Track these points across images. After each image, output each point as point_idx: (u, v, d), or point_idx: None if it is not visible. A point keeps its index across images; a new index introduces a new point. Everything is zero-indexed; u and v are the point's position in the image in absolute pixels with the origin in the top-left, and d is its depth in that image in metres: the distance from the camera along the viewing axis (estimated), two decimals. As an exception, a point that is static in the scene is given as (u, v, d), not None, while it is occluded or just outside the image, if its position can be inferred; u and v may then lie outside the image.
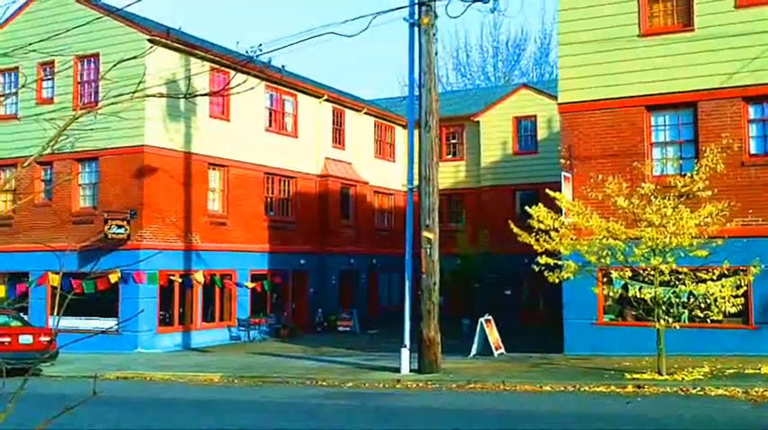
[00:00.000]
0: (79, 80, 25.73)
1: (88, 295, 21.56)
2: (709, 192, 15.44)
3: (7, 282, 26.74)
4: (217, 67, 26.28)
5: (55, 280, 24.16)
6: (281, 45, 21.23)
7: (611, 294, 16.85)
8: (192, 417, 12.73)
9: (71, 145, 4.11)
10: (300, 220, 31.08)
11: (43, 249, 23.59)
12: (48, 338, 19.35)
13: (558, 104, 20.80)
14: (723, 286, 15.00)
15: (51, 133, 3.47)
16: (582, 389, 14.22)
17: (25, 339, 19.10)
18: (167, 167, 24.74)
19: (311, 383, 16.64)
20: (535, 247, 16.18)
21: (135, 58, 4.05)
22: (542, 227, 16.21)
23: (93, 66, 25.42)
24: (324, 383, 16.54)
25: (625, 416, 11.61)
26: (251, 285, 27.20)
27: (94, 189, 25.44)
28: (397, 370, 17.31)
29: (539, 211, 16.29)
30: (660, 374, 14.77)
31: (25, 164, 3.63)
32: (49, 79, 25.93)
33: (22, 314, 22.74)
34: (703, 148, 17.37)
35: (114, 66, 3.76)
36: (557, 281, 16.40)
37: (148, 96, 3.64)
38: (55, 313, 24.15)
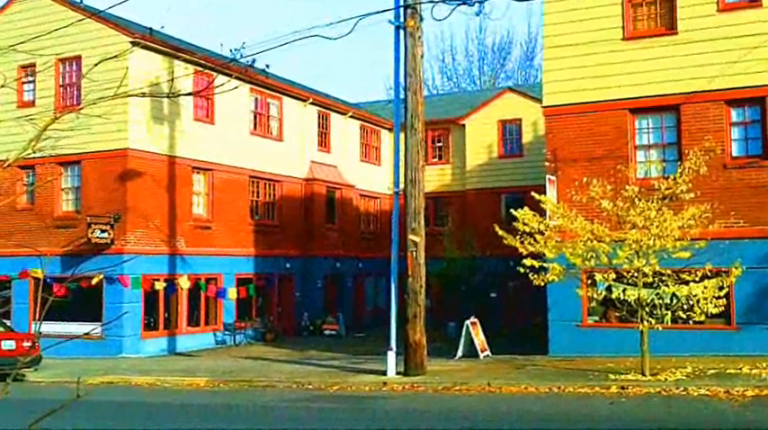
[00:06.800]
0: (61, 83, 25.55)
1: (71, 298, 21.32)
2: (692, 195, 15.57)
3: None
4: (200, 69, 26.14)
5: (38, 272, 23.54)
6: (266, 47, 21.23)
7: (595, 296, 16.90)
8: (176, 422, 12.64)
9: (51, 146, 4.08)
10: (286, 224, 31.00)
11: (25, 253, 23.35)
12: (30, 343, 19.17)
13: (543, 108, 20.89)
14: (705, 287, 15.14)
15: (33, 135, 3.45)
16: (566, 391, 14.28)
17: (8, 345, 18.90)
18: (151, 171, 24.59)
19: (297, 387, 16.59)
20: (520, 250, 16.23)
21: (116, 57, 4.04)
22: (527, 229, 16.26)
23: (75, 68, 25.23)
24: (310, 386, 16.50)
25: (609, 417, 11.66)
26: (234, 295, 26.95)
27: (77, 193, 25.23)
28: (384, 373, 17.31)
29: (524, 214, 16.33)
30: (644, 375, 14.85)
31: (5, 165, 3.60)
32: (30, 82, 25.71)
33: (4, 320, 22.50)
34: (686, 151, 17.50)
35: (96, 65, 3.75)
36: (542, 283, 16.45)
37: (130, 96, 3.63)
38: (36, 316, 24.00)
